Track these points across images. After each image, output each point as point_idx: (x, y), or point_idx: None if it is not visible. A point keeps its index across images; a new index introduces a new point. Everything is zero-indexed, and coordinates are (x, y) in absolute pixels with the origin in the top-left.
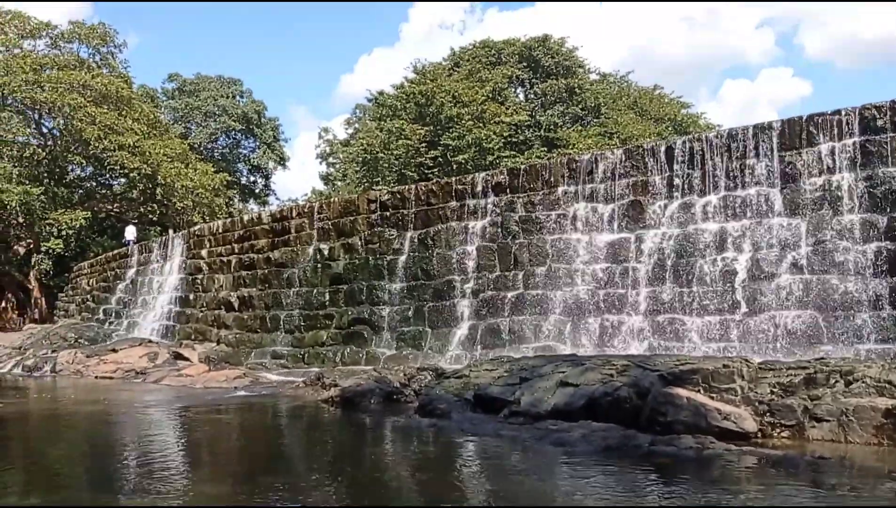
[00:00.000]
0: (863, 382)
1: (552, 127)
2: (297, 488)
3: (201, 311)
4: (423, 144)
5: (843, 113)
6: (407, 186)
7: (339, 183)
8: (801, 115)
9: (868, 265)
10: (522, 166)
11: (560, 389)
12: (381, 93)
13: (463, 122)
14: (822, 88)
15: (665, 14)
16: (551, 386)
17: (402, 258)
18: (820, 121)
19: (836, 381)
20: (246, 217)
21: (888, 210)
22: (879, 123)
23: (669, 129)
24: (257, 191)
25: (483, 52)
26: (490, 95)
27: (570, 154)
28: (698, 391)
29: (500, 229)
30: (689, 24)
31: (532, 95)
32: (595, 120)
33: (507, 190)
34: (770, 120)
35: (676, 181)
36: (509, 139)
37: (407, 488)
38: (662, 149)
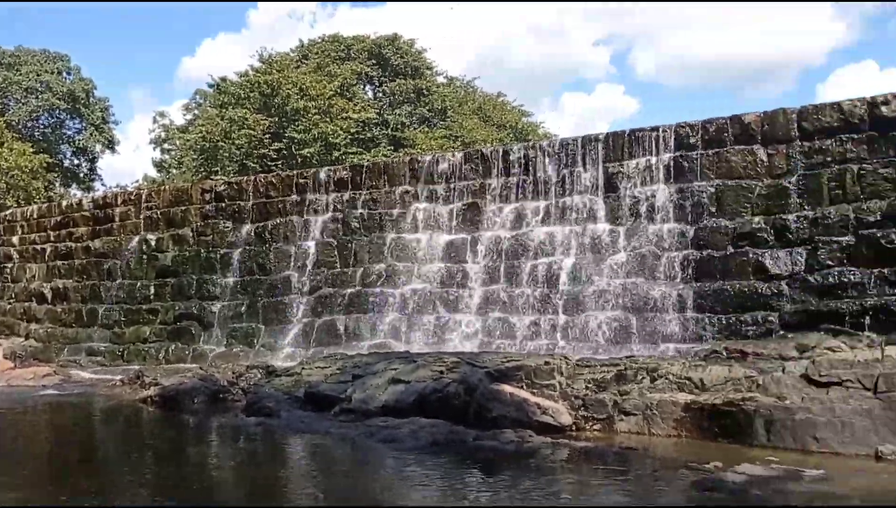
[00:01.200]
0: (666, 378)
1: (399, 126)
2: (106, 490)
3: (9, 303)
4: (267, 136)
5: (661, 130)
6: (245, 178)
7: (175, 171)
8: (624, 129)
9: (676, 271)
10: (365, 164)
11: (392, 386)
12: (224, 80)
13: (309, 115)
14: (650, 106)
15: (513, 23)
16: (383, 383)
17: (237, 252)
18: (640, 136)
19: (644, 378)
20: (64, 203)
21: (696, 221)
22: (692, 140)
23: (511, 135)
24: (81, 175)
25: (332, 46)
26: (338, 91)
27: (414, 154)
28: (521, 387)
29: (340, 226)
30: (536, 34)
31: (381, 94)
32: (441, 122)
33: (350, 186)
34: (598, 133)
35: (512, 186)
36: (356, 136)
37: (227, 489)
38: (500, 154)
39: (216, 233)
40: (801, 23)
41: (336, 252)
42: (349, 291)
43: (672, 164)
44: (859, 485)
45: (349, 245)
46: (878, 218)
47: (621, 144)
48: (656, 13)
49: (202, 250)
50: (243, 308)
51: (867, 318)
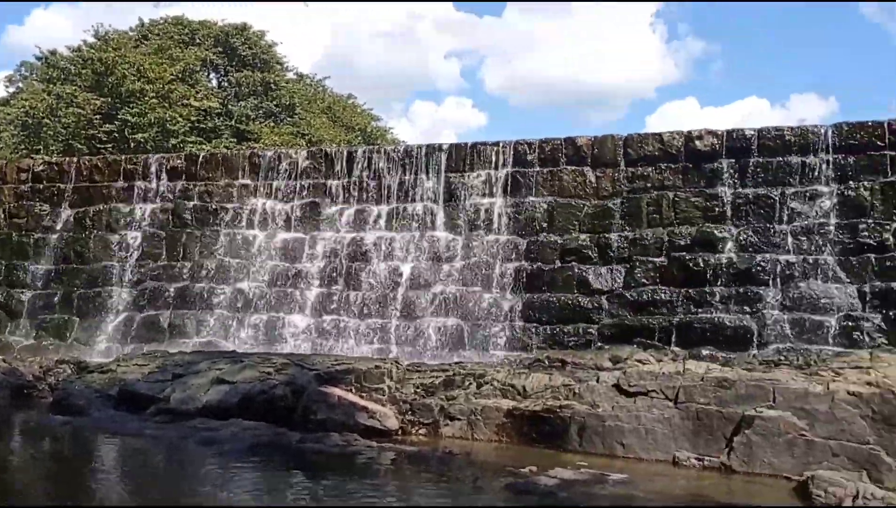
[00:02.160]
0: (492, 385)
1: (244, 119)
2: None
3: None
4: (98, 116)
5: (501, 145)
6: (67, 159)
7: None
8: (467, 142)
9: (509, 282)
10: (202, 154)
11: (215, 386)
12: (53, 53)
13: (146, 98)
14: (497, 121)
15: (364, 25)
16: (206, 383)
17: (54, 238)
18: (482, 149)
19: (471, 383)
20: None
21: (528, 235)
22: (529, 157)
23: (359, 138)
24: None
25: (176, 29)
26: (179, 76)
27: (257, 148)
28: (350, 390)
29: (171, 217)
30: (388, 39)
31: (226, 84)
32: (289, 119)
33: (184, 176)
34: (441, 143)
35: (354, 188)
36: (197, 125)
37: (25, 492)
38: (344, 155)
39: (31, 216)
40: (635, 57)
41: (164, 244)
42: (176, 285)
43: (510, 178)
44: (657, 488)
45: (179, 238)
46: (688, 242)
47: (463, 156)
48: (506, 31)
49: (14, 234)
50: (56, 298)
51: (674, 334)
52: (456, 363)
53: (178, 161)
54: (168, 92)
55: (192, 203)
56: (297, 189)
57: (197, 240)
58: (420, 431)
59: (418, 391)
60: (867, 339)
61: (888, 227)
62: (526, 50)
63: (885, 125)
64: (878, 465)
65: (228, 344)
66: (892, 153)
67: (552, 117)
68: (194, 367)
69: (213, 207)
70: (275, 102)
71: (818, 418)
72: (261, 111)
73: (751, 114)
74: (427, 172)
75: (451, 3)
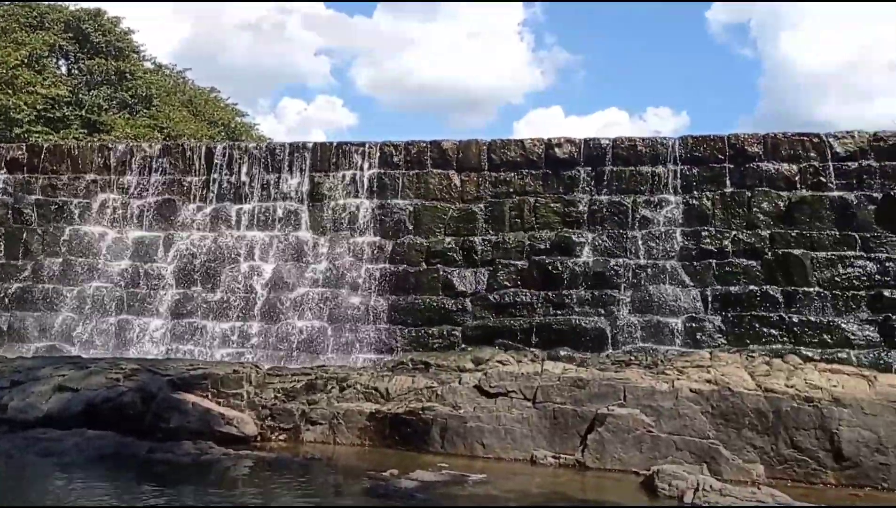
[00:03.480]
0: (355, 388)
1: (96, 109)
2: None
3: None
4: None
5: (367, 146)
6: None
7: None
8: (332, 141)
9: (374, 284)
10: (46, 145)
11: (57, 394)
12: None
13: None
14: (367, 121)
15: (230, 17)
16: (47, 391)
17: None
18: (348, 149)
19: (333, 387)
20: None
21: (394, 236)
22: (395, 159)
23: (223, 134)
24: None
25: (23, 11)
26: (25, 61)
27: (109, 141)
28: (207, 396)
29: (10, 212)
30: (255, 32)
31: (76, 71)
32: (146, 111)
33: (25, 169)
34: (306, 141)
35: (213, 186)
36: (44, 113)
37: None
38: (203, 151)
39: None
40: (504, 63)
41: (2, 241)
42: (16, 286)
43: (376, 180)
44: (515, 487)
45: (20, 234)
46: (547, 246)
47: (328, 156)
48: (376, 31)
49: None
50: None
51: (534, 335)
52: (318, 366)
53: (19, 152)
54: (12, 78)
55: (34, 197)
56: (152, 185)
57: (39, 237)
58: (280, 437)
59: (279, 395)
60: (709, 339)
61: (727, 235)
62: (396, 51)
63: (726, 140)
64: (717, 458)
65: (74, 349)
66: (731, 166)
67: (423, 120)
68: (35, 373)
69: (59, 202)
70: (130, 93)
71: (664, 414)
72: (115, 102)
73: (610, 124)
74: (291, 171)
75: (321, 2)
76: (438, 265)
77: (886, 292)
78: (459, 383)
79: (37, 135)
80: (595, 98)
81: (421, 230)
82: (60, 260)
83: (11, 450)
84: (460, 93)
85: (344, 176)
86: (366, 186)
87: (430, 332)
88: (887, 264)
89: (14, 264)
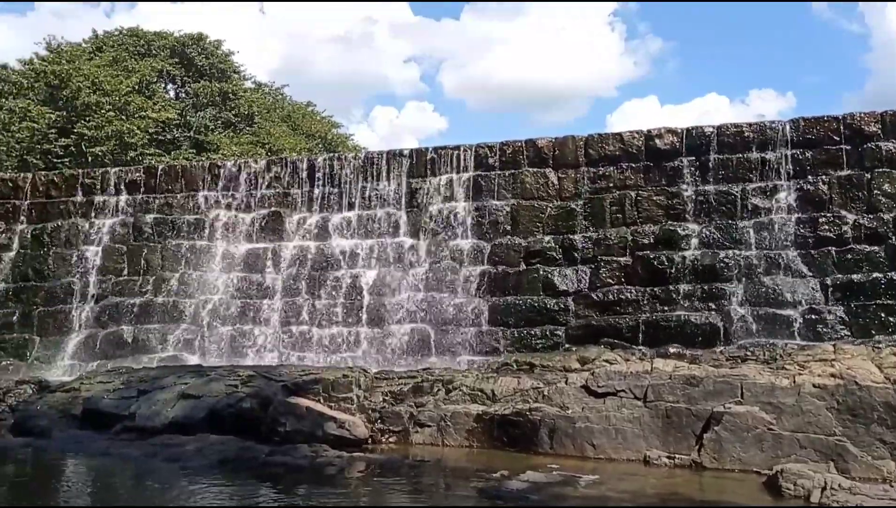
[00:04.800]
0: (460, 390)
1: (203, 130)
2: None
3: None
4: (53, 131)
5: (462, 149)
6: (22, 175)
7: None
8: (428, 147)
9: (473, 286)
10: (161, 166)
11: (181, 401)
12: (4, 67)
13: (103, 111)
14: (457, 124)
15: (319, 31)
16: (172, 398)
17: (10, 255)
18: (443, 154)
19: (439, 389)
20: None
21: (492, 238)
22: (490, 161)
23: (320, 146)
24: None
25: (131, 40)
26: (136, 88)
27: (217, 159)
28: (319, 400)
29: (131, 231)
30: (345, 44)
31: (183, 94)
32: (248, 128)
33: (143, 189)
34: (402, 148)
35: (316, 197)
36: (155, 137)
37: None
38: (304, 164)
39: None
40: (595, 55)
41: (125, 258)
42: (139, 300)
43: (471, 182)
44: (629, 487)
45: (140, 251)
46: (651, 241)
47: (424, 161)
48: (464, 33)
49: None
50: (15, 317)
51: (640, 332)
52: (424, 369)
53: (137, 174)
54: (125, 104)
55: (152, 216)
56: (259, 199)
57: (158, 253)
58: (390, 439)
59: (387, 398)
60: (831, 331)
61: (847, 220)
62: (483, 52)
63: (841, 119)
64: (845, 456)
65: (194, 358)
66: (848, 147)
67: (512, 119)
68: (160, 382)
69: (174, 219)
70: (233, 112)
71: (785, 411)
72: (219, 121)
73: (710, 111)
74: (389, 178)
75: (407, 4)
76: (538, 265)
77: None
78: (566, 383)
79: (150, 157)
80: (692, 85)
81: (519, 230)
82: (178, 274)
83: (141, 457)
84: (551, 89)
85: (440, 180)
86: (462, 189)
87: (532, 332)
88: None
89: (136, 280)
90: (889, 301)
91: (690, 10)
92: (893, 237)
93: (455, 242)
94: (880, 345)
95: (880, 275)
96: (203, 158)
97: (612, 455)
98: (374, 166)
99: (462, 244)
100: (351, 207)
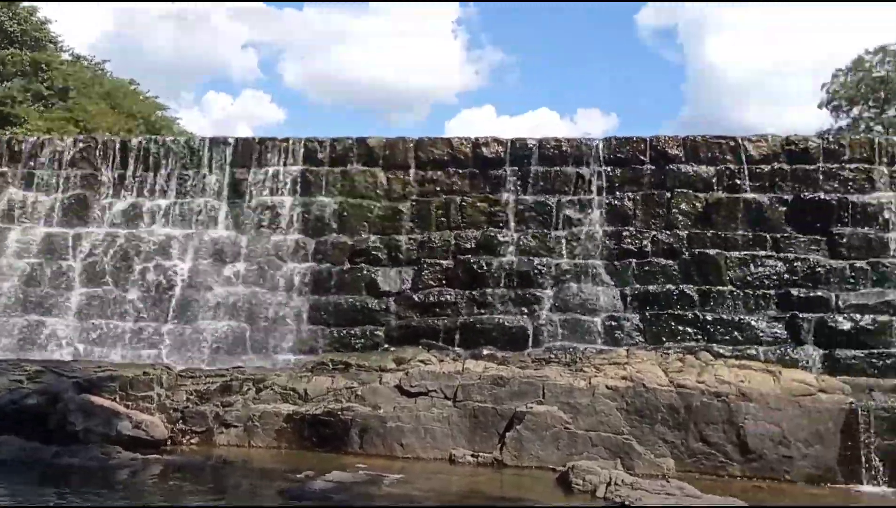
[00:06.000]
0: (272, 389)
1: (8, 101)
2: None
3: None
4: None
5: (291, 142)
6: None
7: None
8: (254, 137)
9: (295, 283)
10: None
11: None
12: None
13: None
14: (296, 117)
15: (153, 6)
16: None
17: None
18: (271, 145)
19: (249, 389)
20: None
21: (317, 235)
22: (320, 156)
23: (142, 127)
24: None
25: None
26: None
27: (20, 133)
28: (115, 398)
29: None
30: (178, 23)
31: None
32: (62, 103)
33: None
34: (227, 136)
35: (129, 181)
36: None
37: None
38: (117, 145)
39: None
40: (438, 61)
41: None
42: None
43: (299, 177)
44: (433, 486)
45: None
46: (473, 246)
47: (251, 151)
48: (306, 25)
49: None
50: None
51: (457, 334)
52: (234, 367)
53: None
54: None
55: None
56: (63, 180)
57: None
58: (192, 440)
59: (192, 398)
60: (627, 337)
61: (647, 235)
62: (326, 46)
63: (647, 141)
64: (631, 453)
65: None
66: (653, 167)
67: (355, 118)
68: None
69: None
70: (46, 85)
71: (581, 411)
72: (28, 93)
73: (541, 125)
74: (211, 167)
75: None
76: (363, 264)
77: (794, 291)
78: (380, 383)
79: None
80: (527, 98)
81: (345, 229)
82: None
83: None
84: (393, 91)
85: (266, 172)
86: (289, 183)
87: (352, 332)
88: (795, 264)
89: None
90: (679, 311)
91: (530, 27)
92: (687, 253)
93: (278, 237)
94: (669, 351)
95: (673, 287)
96: (5, 132)
97: (421, 455)
98: (196, 153)
99: (285, 240)
100: (167, 194)
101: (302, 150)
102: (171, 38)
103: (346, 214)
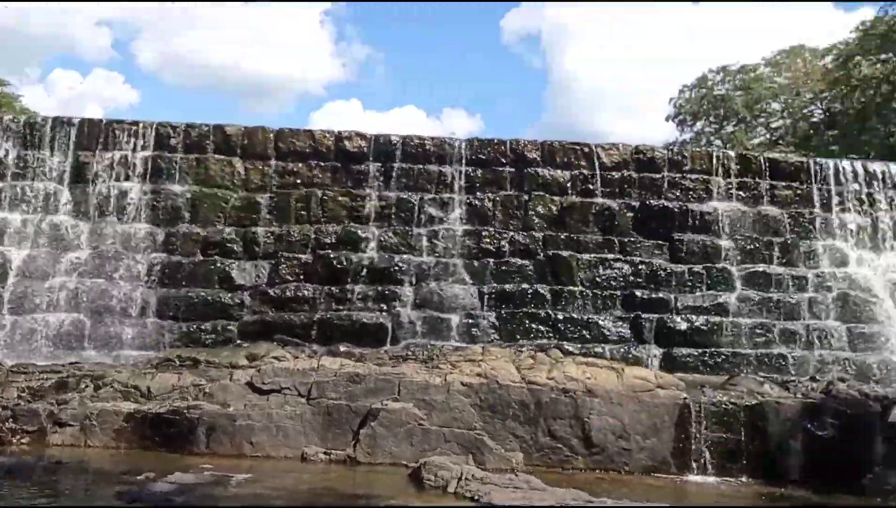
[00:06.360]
0: (112, 387)
1: None
2: None
3: None
4: None
5: (142, 126)
6: None
7: None
8: (102, 118)
9: (143, 275)
10: None
11: None
12: None
13: None
14: (151, 100)
15: None
16: None
17: None
18: (119, 128)
19: (87, 386)
20: None
21: (168, 225)
22: (173, 141)
23: None
24: None
25: None
26: None
27: None
28: None
29: None
30: None
31: None
32: None
33: None
34: (71, 116)
35: None
36: None
37: None
38: None
39: None
40: (305, 52)
41: None
42: None
43: (150, 162)
44: (283, 485)
45: None
46: (333, 240)
47: (97, 134)
48: (161, 5)
49: None
50: None
51: (314, 331)
52: (71, 363)
53: None
54: None
55: None
56: None
57: None
58: (23, 440)
59: (23, 395)
60: (483, 335)
61: (505, 235)
62: (186, 29)
63: (508, 144)
64: (482, 448)
65: None
66: (513, 170)
67: (215, 104)
68: None
69: None
70: None
71: (436, 407)
72: None
73: (409, 122)
74: (52, 149)
75: None
76: (216, 257)
77: (638, 292)
78: (231, 380)
79: None
80: (395, 95)
81: (199, 219)
82: None
83: None
84: (257, 78)
85: (114, 156)
86: (139, 169)
87: (203, 327)
88: (640, 267)
89: None
90: (533, 310)
91: (398, 24)
92: (542, 254)
93: (125, 225)
94: (522, 348)
95: (528, 286)
96: None
97: (271, 453)
98: (35, 133)
99: (133, 229)
100: (4, 176)
101: (153, 134)
102: (14, 9)
103: (200, 203)
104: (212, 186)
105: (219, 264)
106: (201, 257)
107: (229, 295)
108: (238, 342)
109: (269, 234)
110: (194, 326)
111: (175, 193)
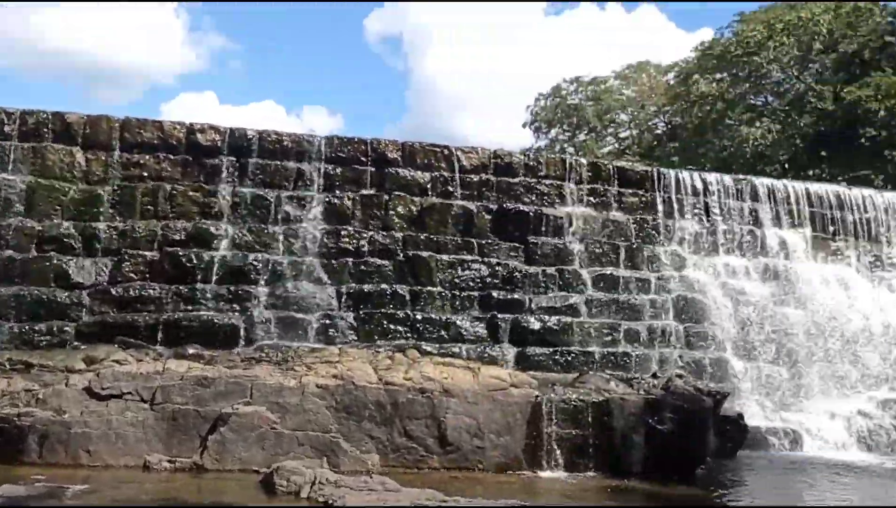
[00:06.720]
0: None
1: None
2: None
3: None
4: None
5: None
6: None
7: None
8: None
9: None
10: None
11: None
12: None
13: None
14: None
15: None
16: None
17: None
18: None
19: None
20: None
21: (0, 218)
22: (7, 129)
23: None
24: None
25: None
26: None
27: None
28: None
29: None
30: None
31: None
32: None
33: None
34: None
35: None
36: None
37: None
38: None
39: None
40: (156, 39)
41: None
42: None
43: None
44: (122, 496)
45: None
46: (183, 237)
47: None
48: None
49: None
50: None
51: (160, 332)
52: None
53: None
54: None
55: None
56: None
57: None
58: None
59: None
60: (341, 336)
61: (365, 235)
62: (24, 8)
63: (369, 143)
64: (337, 451)
65: None
66: (373, 169)
67: (57, 91)
68: None
69: None
70: None
71: (290, 410)
72: None
73: (267, 118)
74: None
75: None
76: (52, 253)
77: (494, 293)
78: (66, 385)
79: None
80: (252, 89)
81: (34, 212)
82: None
83: None
84: (102, 65)
85: None
86: None
87: (36, 328)
88: (497, 268)
89: None
90: (391, 311)
91: (256, 16)
92: (401, 254)
93: None
94: (380, 349)
95: (387, 286)
96: None
97: (111, 462)
98: None
99: None
100: None
101: None
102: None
103: (35, 195)
104: (49, 177)
105: (55, 261)
106: (36, 253)
107: (66, 294)
108: (76, 344)
109: (111, 229)
110: (27, 327)
111: (8, 183)
